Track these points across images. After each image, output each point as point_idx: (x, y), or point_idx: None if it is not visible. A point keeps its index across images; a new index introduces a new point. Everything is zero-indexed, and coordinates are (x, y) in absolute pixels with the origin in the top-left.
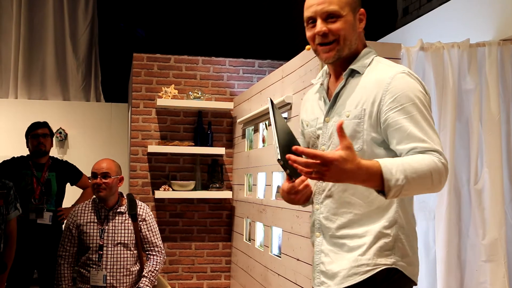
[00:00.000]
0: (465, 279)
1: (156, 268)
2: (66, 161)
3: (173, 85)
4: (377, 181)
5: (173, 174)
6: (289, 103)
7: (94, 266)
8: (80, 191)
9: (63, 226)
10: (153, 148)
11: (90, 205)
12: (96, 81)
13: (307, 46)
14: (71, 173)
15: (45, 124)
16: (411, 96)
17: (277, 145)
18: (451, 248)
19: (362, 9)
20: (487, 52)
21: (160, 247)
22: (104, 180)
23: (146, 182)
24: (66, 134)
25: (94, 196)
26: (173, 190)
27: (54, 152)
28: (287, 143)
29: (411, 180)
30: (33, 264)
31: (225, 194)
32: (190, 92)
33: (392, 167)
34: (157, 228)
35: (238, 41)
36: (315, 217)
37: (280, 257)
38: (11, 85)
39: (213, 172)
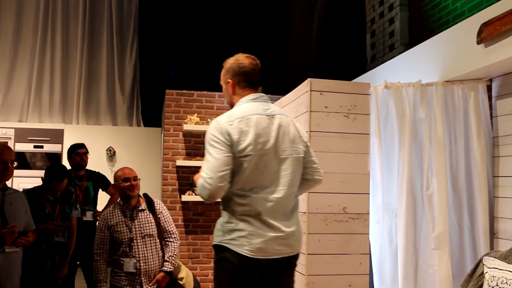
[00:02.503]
0: (419, 262)
1: (175, 253)
2: (99, 172)
3: (195, 114)
4: None
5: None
6: None
7: (127, 256)
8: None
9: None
10: (180, 162)
11: (116, 208)
12: (137, 111)
13: None
14: (103, 182)
15: (83, 145)
16: (206, 137)
17: None
18: (408, 239)
19: (229, 79)
20: (434, 90)
21: (175, 233)
22: (135, 182)
23: (175, 189)
24: (115, 151)
25: (118, 200)
26: (196, 195)
27: (105, 165)
28: None
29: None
30: (79, 253)
31: None
32: (209, 119)
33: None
34: (171, 219)
35: None
36: None
37: None
38: (74, 114)
39: None
